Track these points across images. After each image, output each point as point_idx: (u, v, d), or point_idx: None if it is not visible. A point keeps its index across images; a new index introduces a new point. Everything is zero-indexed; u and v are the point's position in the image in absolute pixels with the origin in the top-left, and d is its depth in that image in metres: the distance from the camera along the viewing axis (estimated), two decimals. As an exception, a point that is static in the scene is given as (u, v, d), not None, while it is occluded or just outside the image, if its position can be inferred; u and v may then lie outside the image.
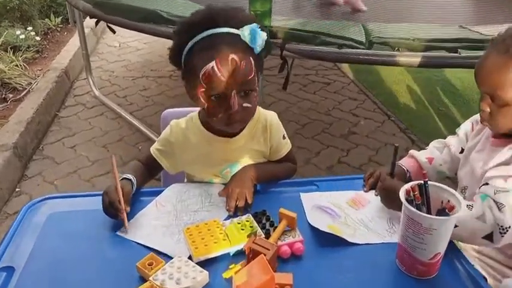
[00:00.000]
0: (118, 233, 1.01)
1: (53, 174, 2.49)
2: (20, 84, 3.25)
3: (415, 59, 1.61)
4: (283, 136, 1.26)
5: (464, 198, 1.10)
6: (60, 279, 0.90)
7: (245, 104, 1.07)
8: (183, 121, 1.22)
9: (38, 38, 4.03)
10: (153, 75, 3.82)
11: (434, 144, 1.30)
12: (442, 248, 0.87)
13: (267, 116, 1.23)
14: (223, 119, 1.07)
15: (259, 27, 1.06)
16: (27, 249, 0.98)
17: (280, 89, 3.62)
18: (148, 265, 0.88)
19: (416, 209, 0.86)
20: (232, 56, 1.01)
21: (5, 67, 3.36)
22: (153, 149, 1.22)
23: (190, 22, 1.07)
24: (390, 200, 1.06)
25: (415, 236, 0.86)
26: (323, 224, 1.03)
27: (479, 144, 1.13)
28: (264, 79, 2.25)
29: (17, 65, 3.48)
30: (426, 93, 3.62)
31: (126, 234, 1.00)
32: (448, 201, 0.89)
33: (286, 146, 1.27)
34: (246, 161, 1.21)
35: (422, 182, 0.91)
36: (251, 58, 1.05)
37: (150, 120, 3.03)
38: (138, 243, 0.98)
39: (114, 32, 2.86)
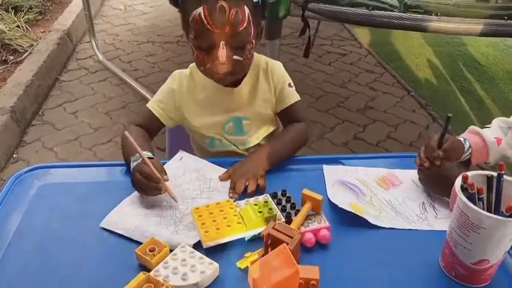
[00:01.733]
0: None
1: (52, 141, 2.36)
2: (21, 46, 3.09)
3: (454, 24, 1.43)
4: (290, 84, 1.12)
5: None
6: (48, 262, 0.77)
7: (235, 57, 0.97)
8: (188, 69, 1.12)
9: (40, -1, 3.84)
10: (159, 41, 3.64)
11: (498, 122, 1.06)
12: (492, 255, 0.71)
13: (268, 60, 1.12)
14: (211, 69, 0.98)
15: None
16: (13, 226, 0.85)
17: (293, 58, 3.45)
18: (150, 251, 0.75)
19: (471, 200, 0.70)
20: (222, 2, 0.91)
21: (6, 28, 3.20)
22: (151, 104, 1.10)
23: None
24: (435, 183, 0.91)
25: (460, 231, 0.72)
26: (345, 201, 0.90)
27: None
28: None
29: (18, 26, 3.32)
30: (448, 68, 3.42)
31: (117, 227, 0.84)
32: None
33: (293, 95, 1.12)
34: (253, 112, 1.10)
35: (492, 174, 0.73)
36: (245, 6, 0.93)
37: (155, 87, 2.83)
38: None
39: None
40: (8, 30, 3.19)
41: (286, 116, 1.13)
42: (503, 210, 0.67)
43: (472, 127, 1.03)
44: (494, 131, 1.02)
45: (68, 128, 2.48)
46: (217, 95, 1.09)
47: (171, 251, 0.76)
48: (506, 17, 1.42)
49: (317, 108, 2.74)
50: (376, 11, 1.47)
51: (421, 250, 0.82)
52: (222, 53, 0.94)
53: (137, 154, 0.91)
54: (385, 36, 3.83)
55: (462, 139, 0.99)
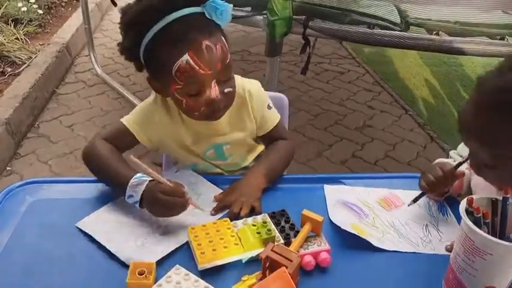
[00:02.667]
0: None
1: (47, 154, 2.32)
2: (19, 58, 3.08)
3: (457, 44, 1.43)
4: (268, 106, 1.09)
5: None
6: (36, 283, 0.74)
7: (226, 90, 0.93)
8: (155, 102, 1.04)
9: (40, 12, 3.85)
10: (158, 56, 3.64)
11: (454, 155, 1.04)
12: (499, 282, 0.69)
13: (245, 85, 1.06)
14: (205, 111, 0.93)
15: None
16: (2, 241, 0.82)
17: (290, 75, 3.45)
18: (140, 274, 0.72)
19: (476, 224, 0.68)
20: (206, 42, 0.87)
21: (5, 40, 3.19)
22: (127, 121, 1.02)
23: (143, 9, 0.89)
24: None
25: (465, 256, 0.69)
26: (347, 222, 0.88)
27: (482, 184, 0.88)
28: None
29: (17, 38, 3.32)
30: (445, 88, 3.43)
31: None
32: None
33: (273, 117, 1.09)
34: (232, 139, 1.06)
35: (497, 197, 0.72)
36: (222, 37, 0.91)
37: (153, 102, 2.86)
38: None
39: (115, 4, 2.68)
40: (7, 42, 3.19)
41: (269, 139, 1.11)
42: (510, 236, 0.65)
43: (441, 160, 1.01)
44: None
45: (64, 142, 2.45)
46: (196, 129, 1.04)
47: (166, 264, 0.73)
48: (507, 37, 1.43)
49: (315, 125, 2.73)
50: (378, 30, 1.47)
51: (424, 275, 0.80)
52: (215, 90, 0.90)
53: (138, 175, 0.87)
54: (382, 55, 3.86)
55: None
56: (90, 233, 0.83)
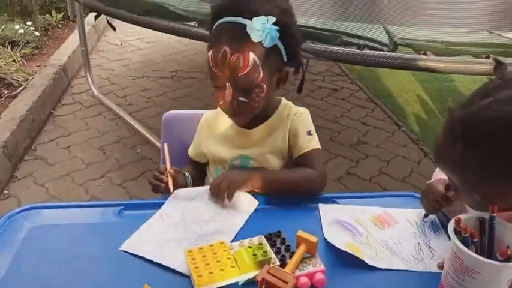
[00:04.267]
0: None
1: (44, 176, 2.34)
2: (16, 80, 3.11)
3: (444, 64, 1.47)
4: (309, 132, 1.12)
5: None
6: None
7: (241, 98, 1.02)
8: (216, 109, 1.20)
9: (37, 34, 3.91)
10: (154, 76, 3.69)
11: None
12: None
13: (291, 110, 1.15)
14: (222, 106, 1.07)
15: (275, 22, 0.97)
16: (2, 267, 0.83)
17: (284, 94, 3.49)
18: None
19: (464, 244, 0.70)
20: (226, 48, 0.98)
21: (2, 62, 3.23)
22: (190, 149, 1.24)
23: (213, 7, 1.06)
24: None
25: (455, 275, 0.72)
26: (341, 241, 0.90)
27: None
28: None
29: (14, 61, 3.35)
30: (437, 103, 3.49)
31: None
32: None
33: (310, 143, 1.10)
34: (261, 155, 1.11)
35: (484, 217, 0.75)
36: (250, 52, 0.97)
37: (150, 122, 2.89)
38: (133, 268, 0.83)
39: (114, 29, 2.74)
40: (4, 65, 3.22)
41: (299, 163, 1.11)
42: (498, 255, 0.67)
43: (437, 175, 1.03)
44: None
45: (60, 163, 2.46)
46: (231, 133, 1.15)
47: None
48: (491, 55, 1.48)
49: (310, 143, 2.76)
50: (367, 51, 1.52)
51: (418, 293, 0.81)
52: (228, 93, 1.01)
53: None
54: (375, 72, 3.92)
55: None
56: (142, 254, 0.86)
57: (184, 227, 0.94)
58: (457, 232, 0.72)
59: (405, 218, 1.01)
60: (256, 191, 1.05)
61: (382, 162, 2.62)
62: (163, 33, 2.08)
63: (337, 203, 1.06)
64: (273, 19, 0.97)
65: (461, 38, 1.62)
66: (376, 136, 2.92)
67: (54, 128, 2.84)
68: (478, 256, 0.68)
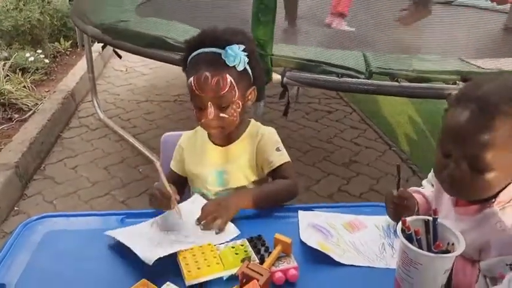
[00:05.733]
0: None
1: (52, 194, 2.49)
2: (26, 104, 3.29)
3: (414, 90, 1.63)
4: (278, 148, 1.27)
5: None
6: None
7: (222, 114, 1.19)
8: (194, 130, 1.37)
9: (47, 61, 4.09)
10: (157, 100, 3.87)
11: (425, 182, 1.24)
12: None
13: (260, 128, 1.31)
14: (204, 124, 1.23)
15: (244, 49, 1.17)
16: (21, 266, 0.97)
17: (282, 116, 3.66)
18: (139, 290, 0.87)
19: (410, 241, 0.84)
20: (206, 73, 1.14)
21: (13, 88, 3.41)
22: (171, 163, 1.36)
23: (188, 42, 1.24)
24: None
25: (403, 267, 0.85)
26: (314, 240, 1.04)
27: (443, 210, 1.04)
28: (267, 106, 2.28)
29: (24, 86, 3.52)
30: (428, 124, 3.61)
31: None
32: (452, 244, 0.84)
33: (279, 158, 1.26)
34: (234, 170, 1.27)
35: (429, 218, 0.88)
36: (227, 75, 1.15)
37: (152, 143, 3.05)
38: (133, 266, 0.97)
39: (120, 57, 2.93)
40: (15, 90, 3.39)
41: (274, 177, 1.28)
42: (433, 248, 0.81)
43: (414, 188, 1.20)
44: (429, 188, 1.18)
45: (68, 182, 2.62)
46: (208, 151, 1.31)
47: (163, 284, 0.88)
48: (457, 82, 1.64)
49: (304, 161, 2.91)
50: (345, 78, 1.69)
51: (379, 286, 0.94)
52: (210, 111, 1.18)
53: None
54: (369, 95, 4.07)
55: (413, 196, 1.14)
56: (118, 239, 1.01)
57: (174, 235, 1.06)
58: (403, 231, 0.86)
59: (373, 223, 1.14)
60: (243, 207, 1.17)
61: (372, 180, 2.75)
62: (165, 61, 2.25)
63: (314, 211, 1.19)
64: (243, 47, 1.17)
65: (429, 67, 1.79)
66: (368, 155, 3.06)
67: (62, 150, 3.00)
68: (418, 249, 0.81)
